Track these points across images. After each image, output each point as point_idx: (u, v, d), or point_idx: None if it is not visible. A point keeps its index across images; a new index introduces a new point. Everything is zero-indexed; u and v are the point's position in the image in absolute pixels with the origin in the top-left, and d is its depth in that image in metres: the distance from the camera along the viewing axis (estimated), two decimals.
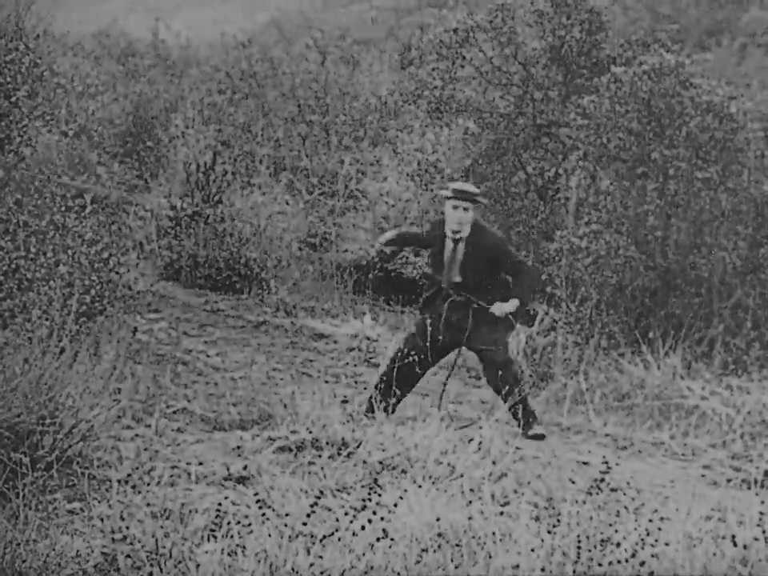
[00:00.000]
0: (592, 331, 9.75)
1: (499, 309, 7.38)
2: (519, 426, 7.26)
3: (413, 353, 7.41)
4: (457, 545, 4.39)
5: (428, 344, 7.40)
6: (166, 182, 15.17)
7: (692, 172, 9.78)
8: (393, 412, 7.27)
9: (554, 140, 12.32)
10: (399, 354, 7.48)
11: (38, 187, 8.10)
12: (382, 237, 7.95)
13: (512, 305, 7.40)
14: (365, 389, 8.19)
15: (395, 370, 7.43)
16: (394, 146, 15.20)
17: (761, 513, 4.65)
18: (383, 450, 5.95)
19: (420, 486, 5.12)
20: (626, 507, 4.87)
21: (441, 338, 7.44)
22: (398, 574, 4.16)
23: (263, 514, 4.52)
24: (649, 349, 9.09)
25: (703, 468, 6.87)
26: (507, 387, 7.25)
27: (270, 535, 4.32)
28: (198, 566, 4.19)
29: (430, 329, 7.41)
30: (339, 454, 5.91)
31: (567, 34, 12.27)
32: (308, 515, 4.40)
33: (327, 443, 6.09)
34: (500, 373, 7.31)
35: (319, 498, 4.56)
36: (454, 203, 7.40)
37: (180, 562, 4.26)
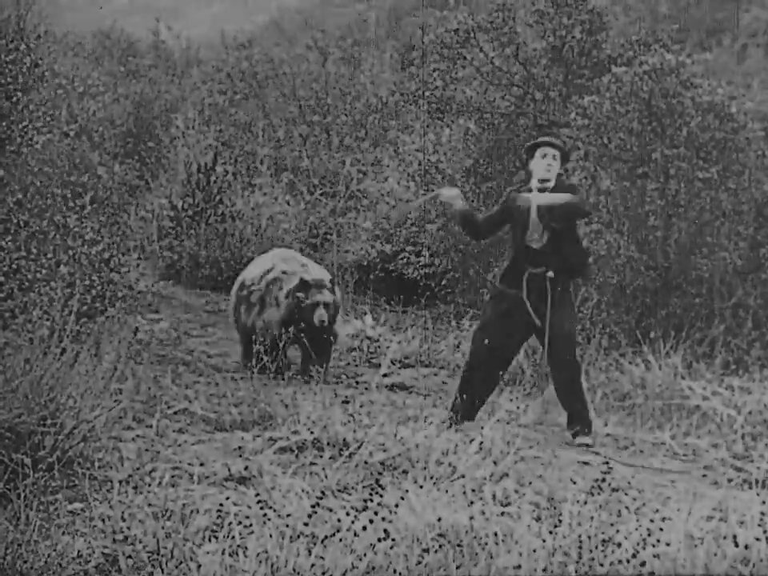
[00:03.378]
0: (593, 331, 9.74)
1: None
2: (568, 427, 7.31)
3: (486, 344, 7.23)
4: (458, 545, 4.40)
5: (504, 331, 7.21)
6: (167, 183, 15.18)
7: (693, 172, 9.77)
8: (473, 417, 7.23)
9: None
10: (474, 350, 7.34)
11: (39, 188, 8.10)
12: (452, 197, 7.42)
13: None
14: (366, 389, 8.19)
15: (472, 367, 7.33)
16: (394, 146, 15.21)
17: (762, 513, 4.65)
18: (384, 451, 5.95)
19: (421, 487, 5.13)
20: (627, 507, 4.87)
21: (516, 323, 7.21)
22: (400, 574, 4.17)
23: (264, 515, 4.53)
24: (650, 349, 9.08)
25: (704, 468, 6.86)
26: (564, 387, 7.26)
27: (271, 536, 4.32)
28: (199, 566, 4.19)
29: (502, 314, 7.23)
30: (340, 455, 5.91)
31: (568, 34, 12.27)
32: (309, 516, 4.41)
33: (328, 444, 6.09)
34: (562, 371, 7.23)
35: (320, 498, 4.57)
36: (544, 150, 7.21)
37: (181, 562, 4.26)
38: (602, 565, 4.19)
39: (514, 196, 7.32)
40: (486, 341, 7.21)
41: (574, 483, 5.49)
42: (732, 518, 4.85)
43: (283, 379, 8.34)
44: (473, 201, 12.37)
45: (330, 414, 6.46)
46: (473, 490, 5.21)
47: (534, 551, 4.29)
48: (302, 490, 5.14)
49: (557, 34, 12.29)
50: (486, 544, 4.40)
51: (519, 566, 4.22)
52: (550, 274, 7.11)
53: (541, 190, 7.22)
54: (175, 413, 6.97)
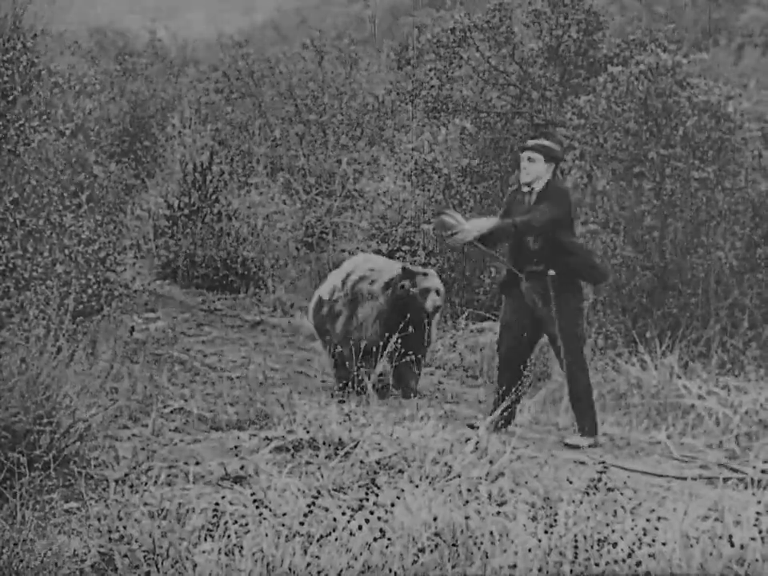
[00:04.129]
0: (589, 331, 9.75)
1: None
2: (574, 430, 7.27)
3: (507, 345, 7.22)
4: (454, 544, 4.40)
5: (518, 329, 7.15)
6: (163, 182, 15.17)
7: (689, 172, 9.78)
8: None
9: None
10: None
11: (35, 186, 8.09)
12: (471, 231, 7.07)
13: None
14: (362, 388, 8.18)
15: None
16: (391, 145, 15.22)
17: (757, 513, 4.66)
18: (380, 450, 5.95)
19: (417, 486, 5.12)
20: (622, 507, 4.87)
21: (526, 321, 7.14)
22: (395, 573, 4.16)
23: (260, 514, 4.52)
24: (646, 348, 9.09)
25: (700, 468, 6.87)
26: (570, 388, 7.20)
27: (267, 535, 4.32)
28: (195, 565, 4.19)
29: (513, 312, 7.18)
30: (336, 454, 5.91)
31: (564, 33, 12.28)
32: (305, 515, 4.41)
33: (324, 443, 6.08)
34: (564, 368, 7.17)
35: (316, 497, 4.56)
36: (524, 155, 7.10)
37: (177, 561, 4.26)
38: (597, 564, 4.19)
39: (517, 196, 7.24)
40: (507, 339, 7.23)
41: (570, 483, 5.49)
42: (728, 518, 4.85)
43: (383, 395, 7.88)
44: (468, 200, 12.38)
45: (326, 414, 6.46)
46: (468, 490, 5.21)
47: (530, 551, 4.29)
48: (298, 490, 5.14)
49: (553, 34, 12.31)
50: (482, 543, 4.40)
51: (515, 566, 4.22)
52: (551, 272, 6.99)
53: (527, 194, 7.10)
54: (171, 412, 6.97)
